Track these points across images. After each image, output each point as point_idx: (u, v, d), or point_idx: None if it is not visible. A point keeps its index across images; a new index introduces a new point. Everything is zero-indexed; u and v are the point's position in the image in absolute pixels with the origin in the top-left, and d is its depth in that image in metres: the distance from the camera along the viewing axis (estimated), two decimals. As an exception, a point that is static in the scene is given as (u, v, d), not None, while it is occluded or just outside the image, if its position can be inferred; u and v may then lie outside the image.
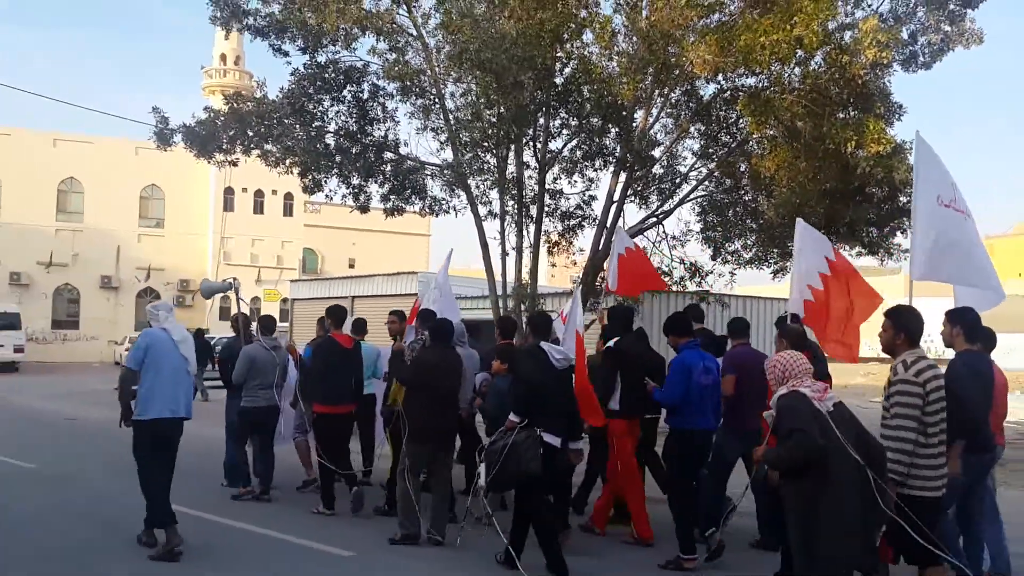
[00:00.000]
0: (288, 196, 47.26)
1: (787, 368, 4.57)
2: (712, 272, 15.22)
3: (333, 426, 8.50)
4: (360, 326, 9.70)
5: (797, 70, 11.51)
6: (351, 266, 51.49)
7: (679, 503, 6.96)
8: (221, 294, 11.76)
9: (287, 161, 14.46)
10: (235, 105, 14.10)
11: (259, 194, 47.65)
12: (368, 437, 9.81)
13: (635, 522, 7.61)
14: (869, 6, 12.18)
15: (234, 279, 10.82)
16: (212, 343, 22.86)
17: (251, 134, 13.98)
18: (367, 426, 9.66)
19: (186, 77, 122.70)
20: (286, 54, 14.02)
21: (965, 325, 6.00)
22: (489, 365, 8.07)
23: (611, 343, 7.79)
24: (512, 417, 6.53)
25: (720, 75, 11.89)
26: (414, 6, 13.75)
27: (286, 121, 13.84)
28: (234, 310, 10.31)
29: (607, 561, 7.16)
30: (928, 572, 5.00)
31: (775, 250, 14.12)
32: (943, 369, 5.26)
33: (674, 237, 15.00)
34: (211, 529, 7.77)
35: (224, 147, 14.24)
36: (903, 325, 5.03)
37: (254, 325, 9.75)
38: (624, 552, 7.42)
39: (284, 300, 37.84)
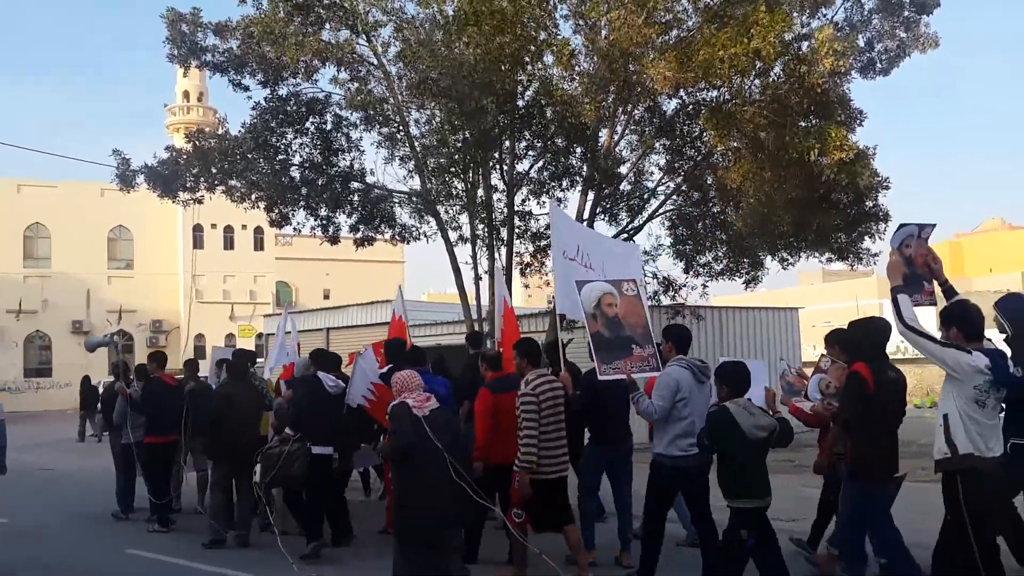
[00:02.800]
0: (258, 230, 46.86)
1: (403, 384, 6.01)
2: (685, 285, 15.27)
3: (159, 453, 9.74)
4: (192, 366, 10.96)
5: (757, 82, 11.58)
6: (326, 297, 51.13)
7: None
8: (104, 347, 14.80)
9: (252, 196, 14.35)
10: (197, 143, 13.97)
11: (228, 229, 47.28)
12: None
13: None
14: (824, 16, 12.29)
15: (113, 334, 12.69)
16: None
17: (215, 171, 13.83)
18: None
19: (151, 117, 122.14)
20: (246, 89, 13.95)
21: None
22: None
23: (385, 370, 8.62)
24: (287, 430, 8.14)
25: (681, 90, 11.96)
26: (373, 35, 13.72)
27: (249, 156, 13.70)
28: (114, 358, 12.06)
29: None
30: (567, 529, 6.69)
31: (745, 260, 14.16)
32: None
33: (645, 252, 15.02)
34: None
35: (188, 185, 14.10)
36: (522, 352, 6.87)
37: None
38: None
39: (259, 335, 37.49)
